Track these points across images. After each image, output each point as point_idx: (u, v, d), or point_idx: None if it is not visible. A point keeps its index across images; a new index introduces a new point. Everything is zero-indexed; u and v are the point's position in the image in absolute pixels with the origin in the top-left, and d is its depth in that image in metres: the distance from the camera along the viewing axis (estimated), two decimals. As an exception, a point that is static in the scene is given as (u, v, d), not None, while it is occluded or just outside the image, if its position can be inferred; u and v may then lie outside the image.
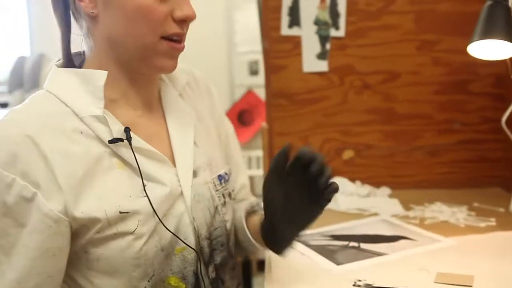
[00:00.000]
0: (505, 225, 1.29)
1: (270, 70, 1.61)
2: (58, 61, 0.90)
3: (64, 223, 0.79)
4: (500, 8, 1.13)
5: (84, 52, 0.90)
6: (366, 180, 1.64)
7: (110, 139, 0.82)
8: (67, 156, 0.79)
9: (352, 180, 1.63)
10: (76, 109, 0.82)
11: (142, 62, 0.86)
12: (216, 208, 0.95)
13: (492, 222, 1.32)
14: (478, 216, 1.36)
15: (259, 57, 3.16)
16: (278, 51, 1.60)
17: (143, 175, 0.84)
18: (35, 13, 3.23)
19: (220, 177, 0.97)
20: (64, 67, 0.88)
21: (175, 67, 0.88)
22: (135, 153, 0.83)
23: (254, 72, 3.34)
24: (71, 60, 0.90)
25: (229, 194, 0.99)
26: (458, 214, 1.38)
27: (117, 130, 0.83)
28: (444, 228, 1.29)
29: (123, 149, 0.83)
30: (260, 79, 1.65)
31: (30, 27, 3.19)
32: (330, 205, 1.44)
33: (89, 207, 0.80)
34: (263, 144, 1.64)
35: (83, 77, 0.84)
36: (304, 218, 0.87)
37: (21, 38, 3.12)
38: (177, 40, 0.85)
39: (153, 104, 0.94)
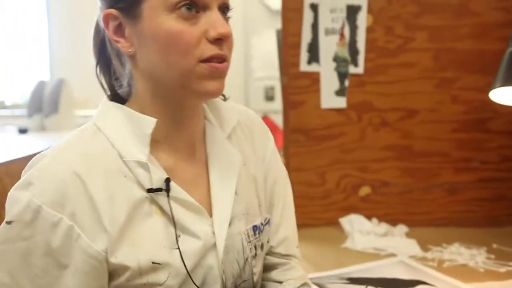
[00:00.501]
0: (525, 270, 1.28)
1: (289, 106, 1.61)
2: (108, 94, 0.90)
3: (106, 264, 0.78)
4: (522, 56, 1.12)
5: (129, 86, 0.88)
6: (383, 217, 1.62)
7: (150, 187, 0.81)
8: (112, 200, 0.78)
9: (369, 216, 1.62)
10: (121, 151, 0.81)
11: (184, 90, 0.81)
12: (246, 260, 0.91)
13: (512, 266, 1.30)
14: (498, 260, 1.34)
15: (275, 83, 3.16)
16: (296, 87, 1.60)
17: (178, 226, 0.82)
18: (56, 38, 3.28)
19: (255, 228, 0.93)
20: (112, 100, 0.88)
21: (221, 89, 0.83)
22: (172, 202, 0.82)
23: (270, 98, 3.35)
24: (118, 95, 0.89)
25: (261, 246, 0.95)
26: (477, 257, 1.36)
27: (158, 179, 0.82)
28: (463, 272, 1.27)
29: (162, 198, 0.82)
30: (276, 104, 1.65)
31: (51, 51, 3.24)
32: (347, 244, 1.47)
33: (124, 253, 0.79)
34: (280, 179, 1.64)
35: (133, 120, 0.84)
36: None
37: (42, 62, 3.17)
38: (218, 61, 0.80)
39: (196, 146, 0.91)
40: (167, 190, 0.81)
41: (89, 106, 3.28)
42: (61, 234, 0.75)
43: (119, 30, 0.83)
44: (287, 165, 1.63)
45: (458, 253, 1.39)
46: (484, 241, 1.48)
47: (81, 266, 0.76)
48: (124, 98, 0.89)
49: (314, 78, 1.60)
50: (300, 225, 1.62)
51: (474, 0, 1.56)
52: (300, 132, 1.62)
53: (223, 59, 0.80)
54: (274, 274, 0.99)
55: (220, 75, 0.81)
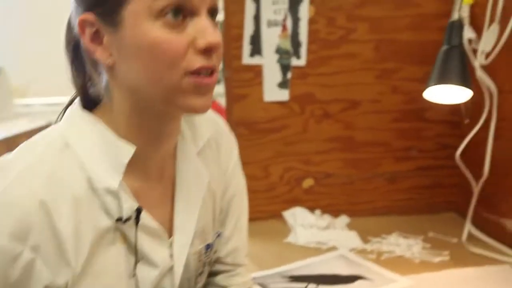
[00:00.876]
0: (457, 260, 1.32)
1: (232, 99, 1.60)
2: (76, 96, 0.82)
3: None
4: (456, 53, 1.14)
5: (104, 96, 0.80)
6: (326, 208, 1.65)
7: (118, 216, 0.76)
8: (78, 231, 0.73)
9: (312, 208, 1.64)
10: (92, 175, 0.75)
11: (167, 106, 0.74)
12: (195, 278, 0.90)
13: (446, 256, 1.35)
14: (433, 249, 1.39)
15: (222, 66, 3.13)
16: (239, 80, 1.59)
17: (139, 254, 0.78)
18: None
19: (207, 246, 0.91)
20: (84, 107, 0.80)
21: (209, 106, 0.75)
22: (137, 231, 0.78)
23: (223, 75, 3.32)
24: (89, 100, 0.81)
25: (210, 262, 0.94)
26: (414, 247, 1.40)
27: (128, 207, 0.76)
28: (400, 264, 1.32)
29: (127, 226, 0.77)
30: (222, 88, 1.62)
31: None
32: (290, 239, 1.48)
33: (87, 286, 0.75)
34: (224, 172, 1.63)
35: (109, 143, 0.76)
36: None
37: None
38: (205, 74, 0.73)
39: (167, 162, 0.85)
40: (137, 220, 0.76)
41: (29, 95, 3.15)
42: (21, 267, 0.70)
43: (96, 37, 0.73)
44: (231, 158, 1.62)
45: (396, 244, 1.43)
46: (421, 229, 1.52)
47: None
48: (95, 102, 0.81)
49: (257, 71, 1.58)
50: (245, 219, 1.64)
51: (413, -9, 1.57)
52: (244, 126, 1.61)
53: (212, 71, 0.73)
54: (218, 279, 0.99)
55: (208, 90, 0.74)
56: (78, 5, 0.75)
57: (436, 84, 1.16)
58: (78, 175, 0.75)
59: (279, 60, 1.58)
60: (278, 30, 1.57)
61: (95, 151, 0.76)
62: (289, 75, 1.59)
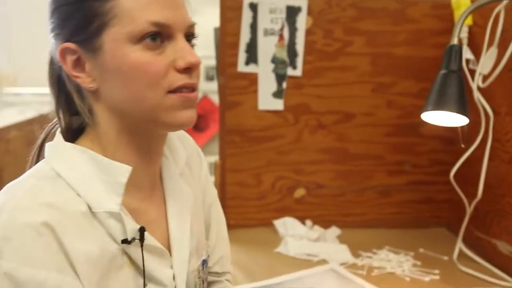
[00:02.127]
0: (447, 280, 1.32)
1: (225, 106, 1.57)
2: (54, 129, 0.82)
3: None
4: (454, 79, 1.13)
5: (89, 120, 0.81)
6: (317, 218, 1.63)
7: (123, 238, 0.75)
8: (86, 256, 0.71)
9: (303, 218, 1.62)
10: (89, 200, 0.74)
11: (154, 124, 0.76)
12: None
13: (436, 275, 1.34)
14: (423, 267, 1.38)
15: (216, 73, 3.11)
16: (234, 87, 1.56)
17: (146, 275, 0.78)
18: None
19: (203, 262, 0.92)
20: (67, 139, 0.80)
21: (194, 119, 0.77)
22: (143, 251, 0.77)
23: (210, 77, 3.28)
24: (73, 131, 0.82)
25: (207, 278, 0.95)
26: (404, 264, 1.39)
27: (132, 229, 0.76)
28: (391, 282, 1.31)
29: (134, 248, 0.77)
30: (216, 85, 1.59)
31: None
32: (280, 249, 1.47)
33: None
34: (215, 180, 1.61)
35: (102, 166, 0.76)
36: None
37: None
38: (187, 90, 0.75)
39: (156, 182, 0.86)
40: (141, 240, 0.76)
41: (18, 84, 3.10)
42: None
43: (78, 64, 0.75)
44: (223, 165, 1.60)
45: (387, 259, 1.42)
46: (412, 245, 1.52)
47: None
48: (79, 131, 0.81)
49: (252, 79, 1.56)
50: (235, 226, 1.63)
51: (411, 7, 1.56)
52: (237, 133, 1.59)
53: (193, 88, 0.76)
54: None
55: (192, 104, 0.76)
56: (58, 35, 0.76)
57: (433, 110, 1.15)
58: (76, 202, 0.74)
59: (275, 70, 1.56)
60: (274, 39, 1.55)
61: (87, 178, 0.76)
62: (284, 84, 1.57)
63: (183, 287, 0.84)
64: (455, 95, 1.11)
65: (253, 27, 1.53)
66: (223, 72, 1.56)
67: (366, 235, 1.59)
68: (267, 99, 1.57)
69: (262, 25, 1.53)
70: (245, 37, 1.54)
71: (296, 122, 1.60)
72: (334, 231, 1.59)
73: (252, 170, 1.61)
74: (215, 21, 1.59)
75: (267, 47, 1.54)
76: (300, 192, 1.64)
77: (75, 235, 0.71)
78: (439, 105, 1.12)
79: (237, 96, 1.57)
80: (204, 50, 3.85)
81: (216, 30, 1.56)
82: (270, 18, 1.53)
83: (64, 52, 0.75)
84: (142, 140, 0.79)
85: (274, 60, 1.55)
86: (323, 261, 1.41)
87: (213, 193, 1.02)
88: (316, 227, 1.59)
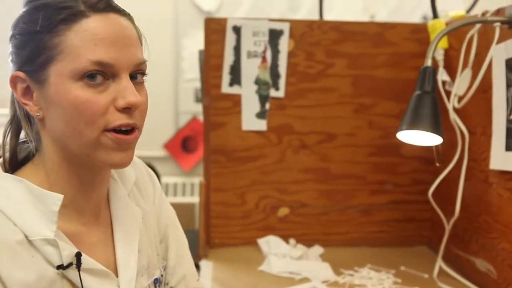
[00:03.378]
0: (428, 297, 1.33)
1: (210, 127, 1.59)
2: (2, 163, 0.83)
3: None
4: (428, 99, 1.16)
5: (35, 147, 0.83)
6: (300, 237, 1.65)
7: (59, 264, 0.76)
8: (22, 284, 0.73)
9: (287, 236, 1.63)
10: (25, 229, 0.75)
11: (89, 158, 0.78)
12: None
13: (416, 293, 1.35)
14: (404, 285, 1.39)
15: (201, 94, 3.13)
16: (218, 108, 1.59)
17: None
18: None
19: (156, 281, 0.93)
20: (7, 166, 0.83)
21: (129, 160, 0.80)
22: (82, 273, 0.78)
23: (199, 99, 3.31)
24: (15, 159, 0.84)
25: None
26: (385, 282, 1.40)
27: (68, 254, 0.77)
28: (371, 299, 1.31)
29: (72, 272, 0.78)
30: None
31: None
32: (263, 267, 1.48)
33: None
34: (200, 199, 1.62)
35: (36, 195, 0.78)
36: None
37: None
38: (126, 131, 0.77)
39: (102, 205, 0.88)
40: (78, 265, 0.77)
41: None
42: None
43: (27, 92, 0.78)
44: (208, 185, 1.62)
45: (368, 277, 1.43)
46: (393, 263, 1.52)
47: None
48: (25, 158, 0.84)
49: (236, 100, 1.59)
50: (220, 245, 1.63)
51: (391, 31, 1.59)
52: (221, 153, 1.61)
53: (132, 128, 0.78)
54: None
55: (128, 146, 0.78)
56: (13, 62, 0.79)
57: (408, 129, 1.17)
58: (11, 231, 0.75)
59: (258, 91, 1.58)
60: (257, 61, 1.57)
61: (23, 207, 0.77)
62: (267, 105, 1.59)
63: None
64: (429, 115, 1.14)
65: (237, 49, 1.56)
66: (208, 93, 1.58)
67: (348, 253, 1.60)
68: (251, 120, 1.59)
69: (245, 47, 1.56)
70: (228, 59, 1.57)
71: (280, 142, 1.62)
72: (317, 249, 1.60)
73: (237, 190, 1.63)
74: (202, 44, 1.62)
75: (251, 69, 1.57)
76: (283, 211, 1.65)
77: (11, 264, 0.72)
78: (413, 125, 1.15)
79: (221, 116, 1.59)
80: (192, 73, 3.84)
81: (200, 52, 1.59)
82: (253, 41, 1.56)
83: (15, 80, 0.78)
84: (83, 170, 0.81)
85: (257, 81, 1.58)
86: (306, 279, 1.42)
87: (170, 214, 1.04)
88: (300, 246, 1.60)
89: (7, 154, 0.83)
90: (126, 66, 0.76)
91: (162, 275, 0.96)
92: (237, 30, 1.56)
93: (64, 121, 0.76)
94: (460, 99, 1.34)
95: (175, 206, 1.09)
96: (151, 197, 0.99)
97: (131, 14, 0.82)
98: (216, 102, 1.58)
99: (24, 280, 0.73)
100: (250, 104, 1.59)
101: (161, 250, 0.99)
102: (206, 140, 1.61)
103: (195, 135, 3.34)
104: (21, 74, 0.77)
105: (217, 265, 1.50)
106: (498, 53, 1.22)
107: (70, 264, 0.77)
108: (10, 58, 0.80)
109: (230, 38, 1.55)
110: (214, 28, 1.56)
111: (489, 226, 1.31)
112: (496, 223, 1.28)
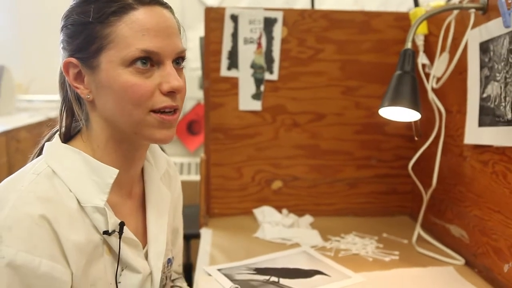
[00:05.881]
0: (406, 259, 1.32)
1: (209, 107, 1.58)
2: (56, 131, 0.85)
3: None
4: (407, 78, 1.14)
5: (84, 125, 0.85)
6: (292, 207, 1.65)
7: (105, 230, 0.79)
8: (75, 245, 0.75)
9: (280, 207, 1.63)
10: (79, 197, 0.78)
11: (136, 135, 0.81)
12: None
13: (396, 256, 1.35)
14: (385, 249, 1.39)
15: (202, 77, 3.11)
16: (217, 90, 1.58)
17: (122, 262, 0.82)
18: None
19: (169, 261, 0.95)
20: (63, 140, 0.84)
21: (171, 137, 0.82)
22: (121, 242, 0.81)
23: (203, 86, 3.30)
24: (68, 135, 0.86)
25: (170, 277, 0.98)
26: (368, 247, 1.40)
27: (113, 223, 0.80)
28: (355, 261, 1.31)
29: (112, 238, 0.81)
30: None
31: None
32: (258, 234, 1.48)
33: None
34: (201, 172, 1.62)
35: (94, 167, 0.80)
36: None
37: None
38: (169, 112, 0.80)
39: (135, 182, 0.90)
40: (120, 233, 0.80)
41: (30, 92, 3.10)
42: (42, 274, 0.70)
43: (79, 77, 0.80)
44: (208, 160, 1.61)
45: (352, 243, 1.43)
46: (376, 230, 1.53)
47: None
48: (72, 134, 0.86)
49: (233, 83, 1.57)
50: (219, 215, 1.64)
51: (376, 19, 1.58)
52: (220, 131, 1.60)
53: (174, 110, 0.80)
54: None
55: (171, 125, 0.80)
56: (64, 49, 0.80)
57: (389, 106, 1.16)
58: (68, 197, 0.77)
59: (254, 74, 1.57)
60: (253, 47, 1.56)
61: (79, 176, 0.79)
62: (262, 88, 1.58)
63: (159, 275, 0.87)
64: (409, 92, 1.13)
65: (234, 36, 1.55)
66: (208, 77, 1.57)
67: (336, 222, 1.60)
68: (247, 101, 1.58)
69: (242, 34, 1.55)
70: (227, 45, 1.55)
71: (273, 121, 1.61)
72: (307, 218, 1.60)
73: (234, 165, 1.62)
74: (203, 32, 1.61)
75: (247, 54, 1.56)
76: (277, 184, 1.65)
77: (67, 227, 0.74)
78: (394, 102, 1.14)
79: (220, 98, 1.58)
80: (196, 63, 3.81)
81: (201, 39, 1.57)
82: (250, 28, 1.55)
83: (67, 66, 0.79)
84: (127, 146, 0.83)
85: (253, 65, 1.57)
86: (296, 245, 1.42)
87: (181, 206, 1.09)
88: (291, 215, 1.60)
89: (63, 129, 0.85)
90: (170, 54, 0.78)
91: (173, 257, 0.99)
92: (234, 18, 1.54)
93: (114, 103, 0.77)
94: (438, 80, 1.33)
95: (181, 183, 1.12)
96: (175, 190, 1.03)
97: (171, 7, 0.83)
98: (215, 85, 1.57)
99: (77, 242, 0.75)
100: (246, 86, 1.58)
101: (172, 238, 1.02)
102: (206, 119, 1.60)
103: (199, 119, 3.32)
104: (73, 60, 0.78)
105: (216, 232, 1.50)
106: (473, 37, 1.20)
107: (113, 232, 0.79)
108: (62, 46, 0.80)
109: (228, 26, 1.54)
110: (214, 17, 1.54)
111: (463, 196, 1.31)
112: (469, 192, 1.28)
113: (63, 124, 0.85)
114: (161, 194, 0.92)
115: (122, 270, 0.82)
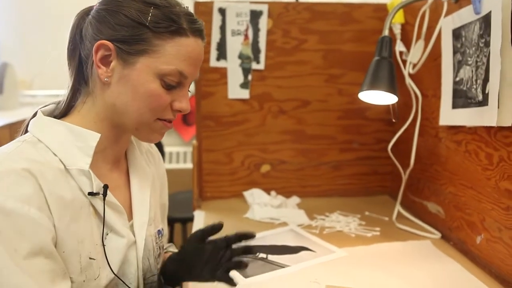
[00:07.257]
0: (386, 235, 1.33)
1: (200, 96, 1.57)
2: (44, 106, 0.85)
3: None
4: (385, 64, 1.14)
5: (70, 99, 0.85)
6: (280, 189, 1.65)
7: (90, 191, 0.80)
8: (59, 198, 0.75)
9: (268, 190, 1.63)
10: (64, 160, 0.78)
11: (135, 131, 0.84)
12: (155, 258, 0.94)
13: (377, 232, 1.35)
14: (367, 226, 1.39)
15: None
16: (207, 80, 1.57)
17: (107, 225, 0.82)
18: (2, 22, 3.02)
19: (159, 232, 0.97)
20: (56, 116, 0.84)
21: (158, 140, 0.88)
22: (105, 205, 0.82)
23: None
24: (67, 109, 0.85)
25: (162, 247, 0.99)
26: (351, 224, 1.40)
27: (97, 185, 0.81)
28: (339, 238, 1.32)
29: (98, 201, 0.81)
30: None
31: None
32: (248, 215, 1.48)
33: (70, 247, 0.76)
34: (193, 158, 1.61)
35: (75, 134, 0.81)
36: (199, 275, 0.92)
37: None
38: (169, 122, 0.85)
39: (121, 160, 0.92)
40: (104, 195, 0.81)
41: (33, 87, 3.07)
42: (32, 222, 0.71)
43: (105, 59, 0.79)
44: (200, 146, 1.61)
45: (336, 221, 1.44)
46: (359, 209, 1.53)
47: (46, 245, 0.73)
48: (62, 113, 0.85)
49: (222, 73, 1.56)
50: (211, 198, 1.63)
51: (356, 10, 1.57)
52: (211, 119, 1.59)
53: (172, 121, 0.86)
54: None
55: (166, 131, 0.86)
56: (103, 29, 0.79)
57: (368, 90, 1.16)
58: (53, 160, 0.78)
59: (241, 64, 1.56)
60: (240, 38, 1.55)
61: (63, 141, 0.80)
62: (249, 77, 1.57)
63: (142, 243, 0.88)
64: (386, 77, 1.13)
65: (222, 28, 1.53)
66: (198, 67, 1.56)
67: (321, 202, 1.61)
68: (236, 90, 1.58)
69: (230, 26, 1.54)
70: (215, 37, 1.54)
71: (261, 108, 1.61)
72: (294, 199, 1.60)
73: (225, 150, 1.62)
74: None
75: (235, 45, 1.55)
76: (265, 168, 1.65)
77: (52, 183, 0.75)
78: (372, 86, 1.14)
79: (210, 87, 1.57)
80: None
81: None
82: (237, 21, 1.54)
83: (100, 46, 0.79)
84: (117, 129, 0.85)
85: (241, 56, 1.56)
86: (284, 224, 1.42)
87: (166, 185, 1.10)
88: (279, 197, 1.60)
89: (63, 104, 0.85)
90: (191, 80, 0.84)
91: (163, 229, 0.99)
92: (222, 11, 1.53)
93: (131, 99, 0.80)
94: (414, 66, 1.33)
95: (177, 171, 1.13)
96: (158, 168, 1.04)
97: None
98: (206, 75, 1.56)
99: (61, 196, 0.75)
100: (234, 76, 1.57)
101: (160, 213, 1.03)
102: (197, 108, 1.59)
103: (194, 110, 3.31)
104: (110, 45, 0.78)
105: (208, 214, 1.50)
106: (446, 24, 1.20)
107: (98, 193, 0.81)
108: (100, 23, 0.79)
109: (216, 19, 1.53)
110: (202, 10, 1.53)
111: (439, 174, 1.31)
112: (444, 171, 1.28)
113: (64, 99, 0.85)
114: (144, 171, 0.95)
115: (107, 234, 0.82)
